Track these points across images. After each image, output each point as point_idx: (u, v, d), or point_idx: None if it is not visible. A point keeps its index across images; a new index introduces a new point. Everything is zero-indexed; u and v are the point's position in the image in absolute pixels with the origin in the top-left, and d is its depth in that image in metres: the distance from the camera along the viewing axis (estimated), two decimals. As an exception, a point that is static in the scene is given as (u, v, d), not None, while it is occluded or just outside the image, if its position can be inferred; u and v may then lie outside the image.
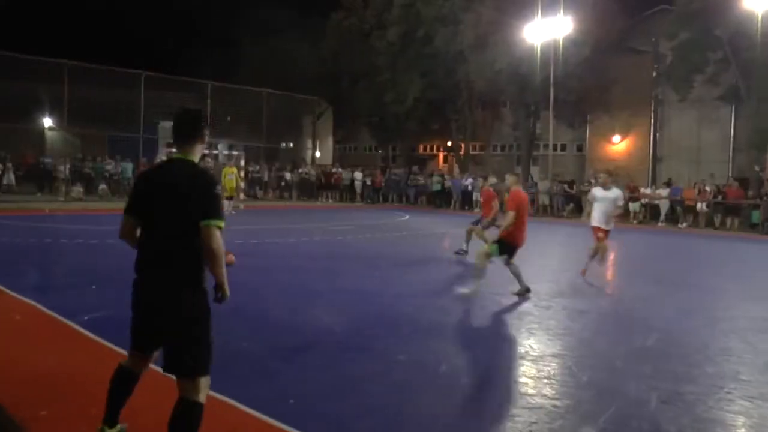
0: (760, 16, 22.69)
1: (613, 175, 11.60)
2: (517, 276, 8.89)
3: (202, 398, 3.39)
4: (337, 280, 9.89)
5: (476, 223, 13.36)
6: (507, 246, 8.85)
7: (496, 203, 13.25)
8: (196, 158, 3.55)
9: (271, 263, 11.51)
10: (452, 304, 8.42)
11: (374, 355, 5.89)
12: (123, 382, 3.68)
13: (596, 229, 10.70)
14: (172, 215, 3.37)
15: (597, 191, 10.95)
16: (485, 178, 14.92)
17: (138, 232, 3.55)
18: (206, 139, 3.61)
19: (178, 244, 3.37)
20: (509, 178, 9.82)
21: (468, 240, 13.12)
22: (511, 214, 8.79)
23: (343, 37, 38.21)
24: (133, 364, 3.69)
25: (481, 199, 14.32)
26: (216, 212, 3.36)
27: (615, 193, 10.79)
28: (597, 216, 10.68)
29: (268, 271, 10.58)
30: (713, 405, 4.79)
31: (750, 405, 4.84)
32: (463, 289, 8.83)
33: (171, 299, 3.36)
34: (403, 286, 9.37)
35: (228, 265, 9.37)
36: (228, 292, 3.49)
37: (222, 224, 3.39)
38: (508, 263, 8.94)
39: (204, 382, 3.40)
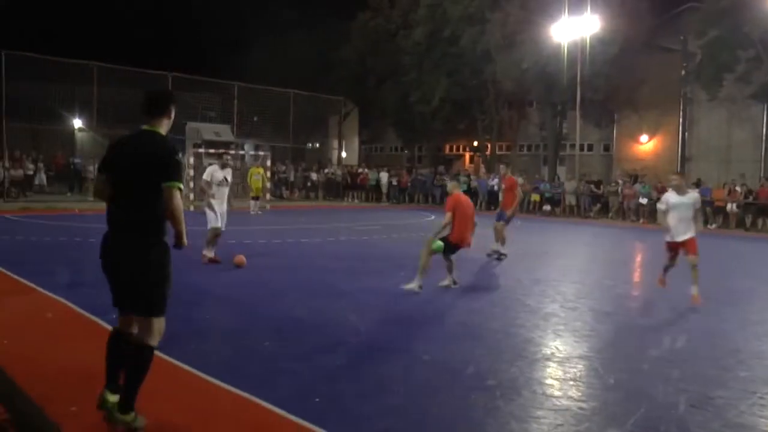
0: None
1: (684, 177, 9.98)
2: (450, 270, 9.20)
3: (152, 341, 3.89)
4: (362, 279, 9.90)
5: (500, 218, 12.89)
6: (452, 246, 9.02)
7: (519, 191, 13.33)
8: (162, 131, 4.03)
9: (297, 263, 11.55)
10: (477, 304, 8.38)
11: (399, 355, 5.87)
12: (114, 344, 4.05)
13: (671, 245, 9.00)
14: (135, 179, 3.82)
15: (670, 197, 9.07)
16: (507, 165, 14.36)
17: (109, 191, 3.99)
18: (172, 114, 4.10)
19: (140, 204, 3.82)
20: (450, 184, 9.86)
21: (499, 239, 12.72)
22: (447, 215, 8.99)
23: (369, 37, 38.28)
24: (121, 325, 4.10)
25: (504, 186, 13.54)
26: (176, 175, 3.81)
27: (692, 196, 9.08)
28: (673, 225, 8.88)
29: (293, 270, 10.62)
30: (745, 410, 4.69)
31: (783, 409, 4.74)
32: (407, 285, 8.75)
33: (133, 251, 3.83)
34: (428, 287, 9.35)
35: (238, 266, 9.26)
36: (185, 241, 4.01)
37: (181, 186, 3.85)
38: (447, 258, 9.17)
39: (157, 323, 3.89)
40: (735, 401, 4.85)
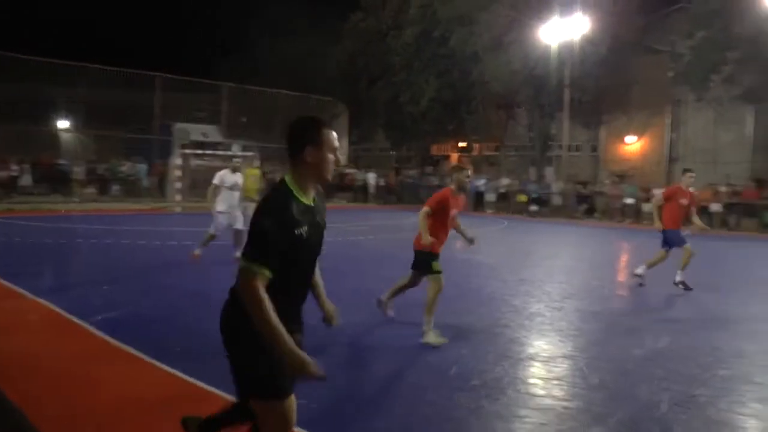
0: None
1: None
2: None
3: (264, 425, 2.94)
4: (349, 280, 9.90)
5: (676, 243, 9.88)
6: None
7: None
8: (296, 180, 2.87)
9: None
10: (462, 305, 8.40)
11: (385, 355, 5.89)
12: (229, 411, 3.44)
13: None
14: None
15: None
16: (688, 171, 10.59)
17: None
18: (312, 157, 2.85)
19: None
20: (458, 175, 6.92)
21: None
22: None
23: (360, 38, 38.27)
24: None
25: (687, 201, 10.15)
26: (249, 248, 2.71)
27: None
28: None
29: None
30: (725, 407, 4.76)
31: (761, 407, 4.83)
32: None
33: (224, 321, 2.97)
34: (415, 288, 9.35)
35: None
36: (298, 360, 2.69)
37: (256, 270, 2.64)
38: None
39: (260, 407, 2.90)
40: (715, 399, 4.92)
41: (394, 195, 32.60)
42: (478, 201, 29.24)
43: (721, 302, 9.23)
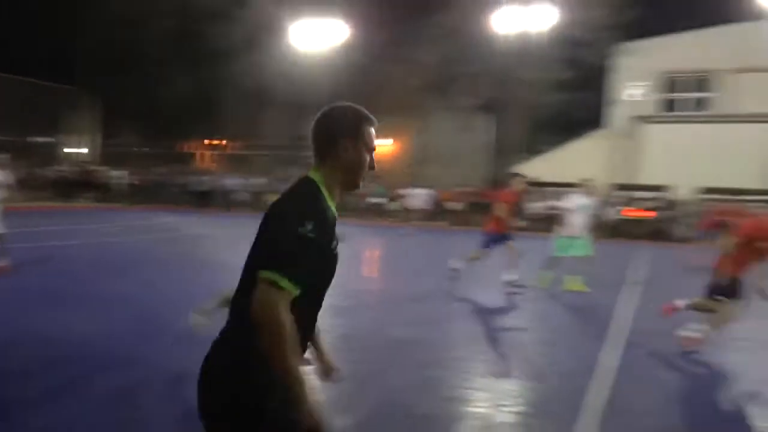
0: (508, 36, 25.61)
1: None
2: None
3: None
4: (94, 285, 9.31)
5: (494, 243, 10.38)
6: None
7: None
8: (318, 176, 2.33)
9: (27, 269, 10.49)
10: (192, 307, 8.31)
11: (135, 366, 5.52)
12: None
13: None
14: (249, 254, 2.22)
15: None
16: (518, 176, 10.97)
17: None
18: (343, 153, 2.38)
19: (240, 295, 2.14)
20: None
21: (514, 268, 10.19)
22: None
23: (112, 25, 35.74)
24: None
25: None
26: (275, 261, 2.02)
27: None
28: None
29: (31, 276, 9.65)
30: (457, 384, 5.33)
31: (488, 381, 5.48)
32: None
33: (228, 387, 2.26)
34: (169, 292, 9.08)
35: None
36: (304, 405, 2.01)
37: (284, 284, 1.97)
38: None
39: None
40: (450, 379, 5.50)
41: (144, 194, 30.99)
42: (227, 200, 28.94)
43: (461, 292, 9.98)
